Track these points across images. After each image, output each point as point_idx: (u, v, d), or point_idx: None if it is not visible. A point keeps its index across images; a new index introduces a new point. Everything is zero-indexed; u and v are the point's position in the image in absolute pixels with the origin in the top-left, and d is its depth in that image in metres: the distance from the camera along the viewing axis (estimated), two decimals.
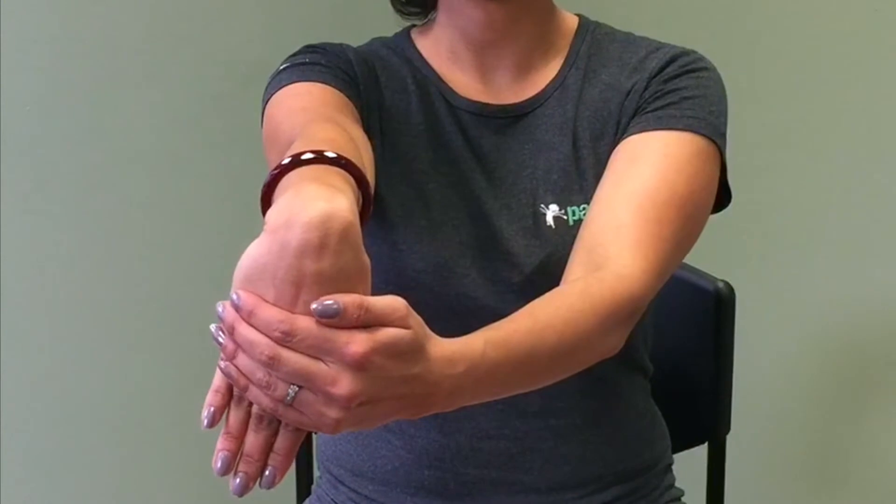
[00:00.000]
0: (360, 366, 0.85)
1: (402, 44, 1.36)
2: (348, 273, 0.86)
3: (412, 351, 0.88)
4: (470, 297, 1.25)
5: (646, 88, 1.27)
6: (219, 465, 0.90)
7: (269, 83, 1.27)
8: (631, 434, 1.36)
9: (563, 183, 1.27)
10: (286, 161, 0.95)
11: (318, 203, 0.85)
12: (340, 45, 1.33)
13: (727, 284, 1.58)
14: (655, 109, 1.25)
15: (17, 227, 2.03)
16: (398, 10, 1.38)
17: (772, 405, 2.16)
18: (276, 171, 0.95)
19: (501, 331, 1.00)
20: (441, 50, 1.34)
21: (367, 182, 0.98)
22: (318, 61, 1.27)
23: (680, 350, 1.61)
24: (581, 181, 1.27)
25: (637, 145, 1.24)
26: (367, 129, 1.25)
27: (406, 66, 1.34)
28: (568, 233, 1.24)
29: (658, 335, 1.43)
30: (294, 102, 1.21)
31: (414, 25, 1.38)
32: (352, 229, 0.85)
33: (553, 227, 1.25)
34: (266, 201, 0.96)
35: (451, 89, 1.32)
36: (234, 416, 0.91)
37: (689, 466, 1.56)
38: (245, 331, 0.86)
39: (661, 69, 1.28)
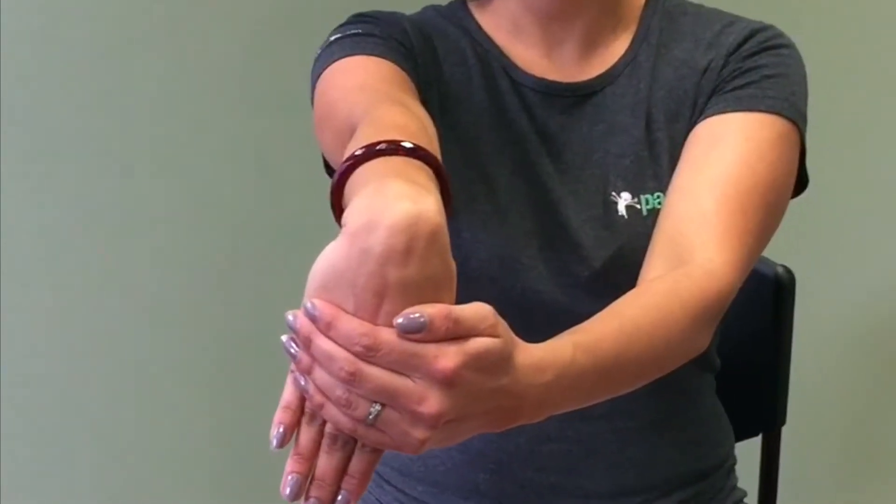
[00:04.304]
0: (449, 382, 0.78)
1: (458, 14, 1.27)
2: (435, 280, 0.79)
3: (501, 361, 0.81)
4: (535, 291, 1.17)
5: (724, 66, 1.18)
6: (288, 490, 0.83)
7: (319, 56, 1.18)
8: (698, 435, 1.29)
9: (636, 168, 1.18)
10: (359, 152, 0.86)
11: (403, 203, 0.77)
12: (393, 13, 1.24)
13: (787, 269, 1.50)
14: (735, 89, 1.17)
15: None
16: None
17: (828, 396, 2.09)
18: (349, 163, 0.86)
19: (589, 334, 0.93)
20: (502, 23, 1.24)
21: (446, 176, 0.89)
22: (371, 32, 1.18)
23: (736, 338, 1.52)
24: (655, 166, 1.18)
25: (717, 128, 1.15)
26: (427, 105, 1.15)
27: (465, 37, 1.24)
28: (641, 223, 1.16)
29: None
30: (349, 79, 1.12)
31: None
32: (440, 232, 0.79)
33: (626, 217, 1.17)
34: (337, 195, 0.87)
35: (514, 65, 1.22)
36: (306, 435, 0.83)
37: (740, 457, 1.49)
38: (323, 344, 0.79)
39: (739, 45, 1.19)
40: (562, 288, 1.17)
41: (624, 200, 1.18)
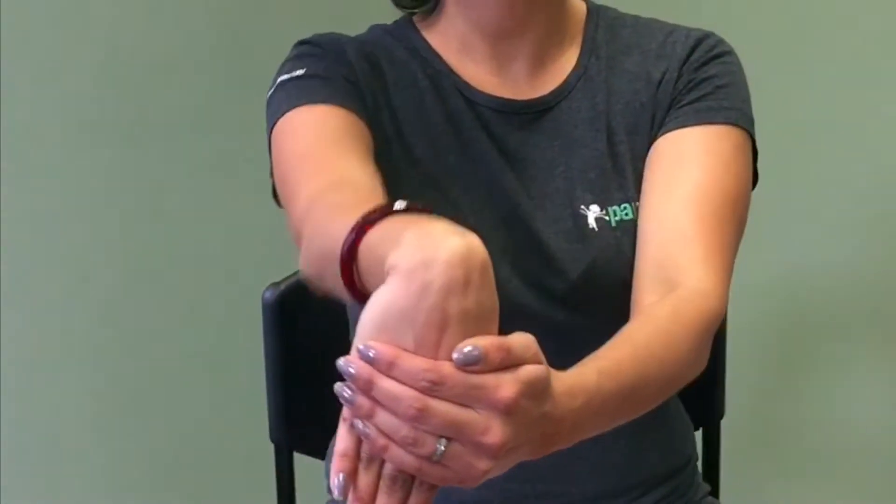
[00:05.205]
0: (509, 410, 0.80)
1: (406, 33, 1.27)
2: (489, 310, 0.81)
3: (546, 388, 0.84)
4: (515, 305, 1.17)
5: (678, 78, 1.23)
6: None
7: (269, 100, 1.20)
8: (670, 434, 1.32)
9: (602, 181, 1.21)
10: (371, 215, 0.88)
11: (454, 238, 0.80)
12: (337, 39, 1.24)
13: None
14: (692, 102, 1.21)
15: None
16: (396, 4, 1.28)
17: (763, 387, 2.16)
18: (359, 227, 0.88)
19: (609, 360, 0.97)
20: (450, 41, 1.25)
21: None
22: (315, 72, 1.19)
23: None
24: (620, 179, 1.21)
25: (679, 144, 1.20)
26: (379, 135, 1.19)
27: (413, 58, 1.25)
28: (611, 235, 1.19)
29: None
30: (296, 144, 1.14)
31: (414, 13, 1.29)
32: (489, 264, 0.81)
33: (596, 229, 1.19)
34: (347, 264, 0.88)
35: (466, 84, 1.23)
36: (365, 479, 0.83)
37: None
38: (387, 384, 0.80)
39: (689, 55, 1.24)
40: (539, 301, 1.19)
41: (593, 213, 1.20)
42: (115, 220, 2.08)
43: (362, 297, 0.86)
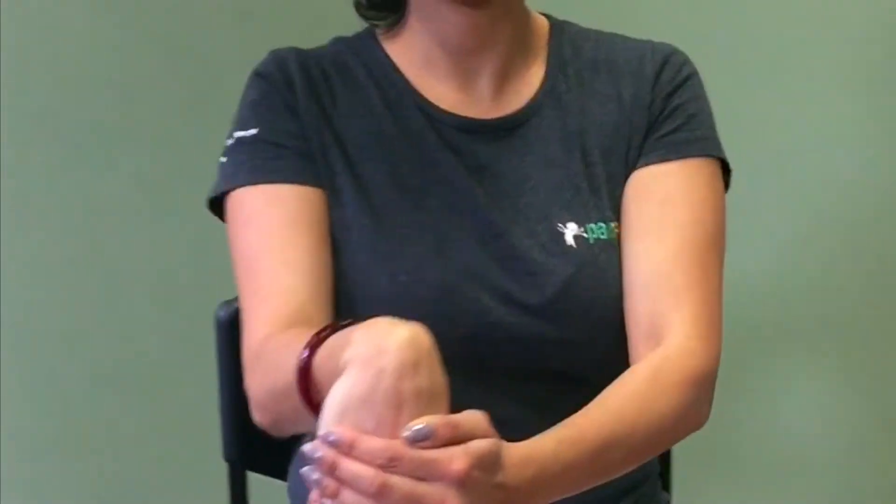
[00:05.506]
0: (462, 482, 0.88)
1: (367, 47, 1.27)
2: (439, 388, 0.90)
3: (498, 459, 0.92)
4: (489, 324, 1.18)
5: (651, 103, 1.24)
6: None
7: (226, 153, 1.22)
8: None
9: (579, 200, 1.22)
10: (321, 334, 0.98)
11: (400, 328, 0.89)
12: (289, 72, 1.23)
13: None
14: (668, 133, 1.23)
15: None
16: (362, 15, 1.28)
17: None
18: (311, 345, 0.97)
19: (573, 428, 1.03)
20: (413, 56, 1.25)
21: None
22: (266, 136, 1.20)
23: None
24: (596, 199, 1.22)
25: (660, 182, 1.22)
26: (327, 173, 1.20)
27: (370, 79, 1.25)
28: (589, 251, 1.20)
29: None
30: (243, 246, 1.19)
31: (378, 25, 1.28)
32: (434, 348, 0.90)
33: (574, 246, 1.20)
34: (303, 379, 0.97)
35: (428, 102, 1.24)
36: None
37: None
38: (349, 465, 0.88)
39: (658, 75, 1.25)
40: (513, 315, 1.19)
41: (571, 230, 1.21)
42: (63, 237, 2.05)
43: (319, 410, 0.92)
